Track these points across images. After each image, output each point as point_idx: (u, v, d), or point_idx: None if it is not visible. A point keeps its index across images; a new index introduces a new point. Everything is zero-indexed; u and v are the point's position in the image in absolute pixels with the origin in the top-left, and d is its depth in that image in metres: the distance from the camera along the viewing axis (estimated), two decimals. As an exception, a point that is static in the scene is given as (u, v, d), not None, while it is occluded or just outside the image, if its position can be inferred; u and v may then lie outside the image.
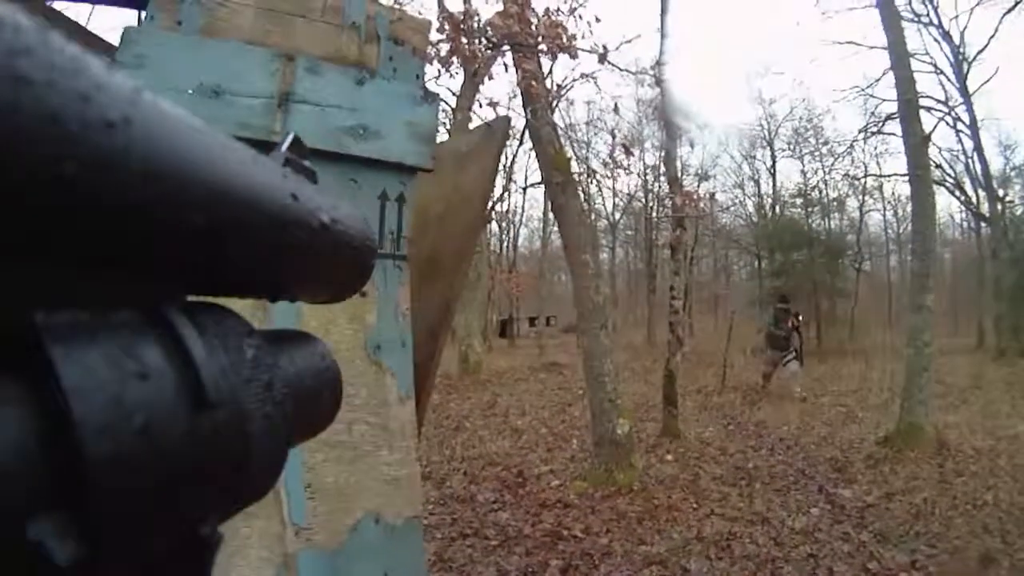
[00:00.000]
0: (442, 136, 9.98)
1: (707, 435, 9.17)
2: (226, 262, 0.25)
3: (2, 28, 0.16)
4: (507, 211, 28.67)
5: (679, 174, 11.55)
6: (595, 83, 10.47)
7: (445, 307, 1.86)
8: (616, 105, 9.82)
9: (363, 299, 1.43)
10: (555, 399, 12.27)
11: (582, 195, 11.17)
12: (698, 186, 28.16)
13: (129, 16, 1.59)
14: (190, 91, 1.31)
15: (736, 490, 6.57)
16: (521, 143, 13.09)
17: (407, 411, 1.49)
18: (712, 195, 20.49)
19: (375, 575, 1.41)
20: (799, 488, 6.56)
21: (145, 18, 1.41)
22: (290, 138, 0.34)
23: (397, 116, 1.51)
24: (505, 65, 7.26)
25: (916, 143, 9.15)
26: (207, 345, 0.23)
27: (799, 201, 29.52)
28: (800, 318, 12.86)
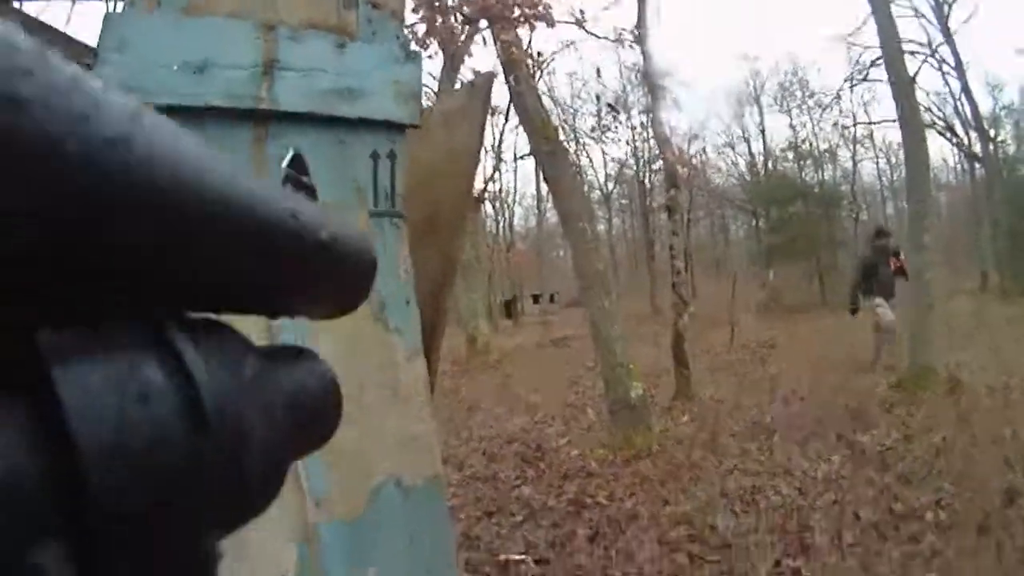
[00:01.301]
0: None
1: (720, 394, 9.15)
2: (225, 279, 0.24)
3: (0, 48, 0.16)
4: (500, 191, 28.62)
5: (669, 134, 11.50)
6: (576, 50, 10.41)
7: (447, 264, 1.85)
8: (598, 70, 9.80)
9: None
10: (566, 372, 12.29)
11: (573, 167, 11.12)
12: (688, 147, 28.10)
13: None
14: (175, 68, 1.30)
15: (755, 444, 6.56)
16: (507, 120, 13.02)
17: (417, 368, 1.45)
18: (703, 151, 20.40)
19: (400, 542, 1.38)
20: (818, 437, 6.53)
21: (126, 3, 1.41)
22: (290, 155, 0.35)
23: (381, 76, 1.49)
24: (484, 39, 7.18)
25: (902, 85, 9.10)
26: (207, 364, 0.22)
27: (791, 155, 29.55)
28: (902, 257, 9.64)
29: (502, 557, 4.63)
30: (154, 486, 0.20)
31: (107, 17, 1.28)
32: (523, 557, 4.61)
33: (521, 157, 24.52)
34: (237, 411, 0.23)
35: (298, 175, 0.33)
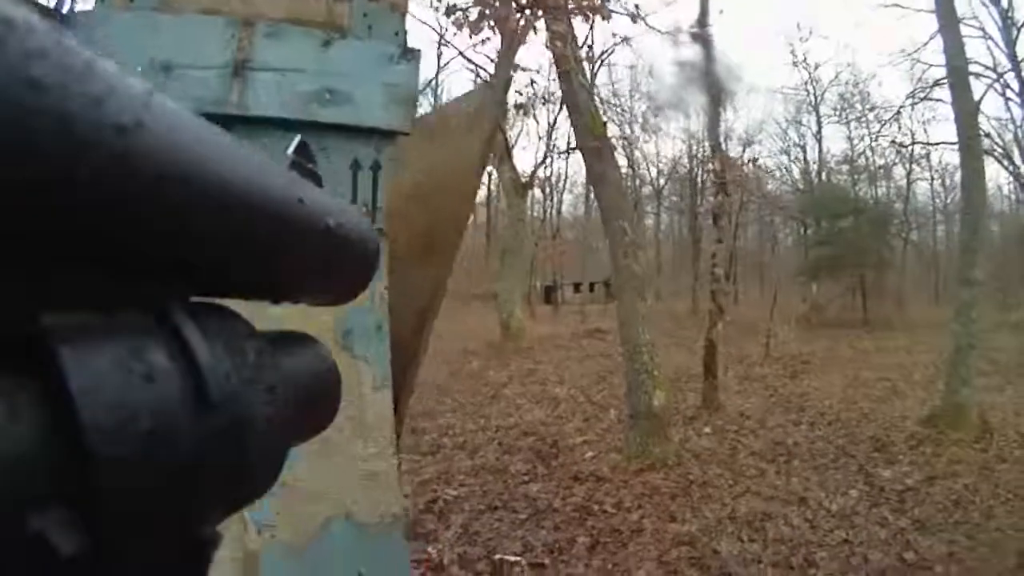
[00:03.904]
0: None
1: (747, 407, 8.99)
2: (232, 264, 0.25)
3: (16, 30, 0.16)
4: (549, 176, 28.44)
5: (721, 138, 11.25)
6: (630, 46, 10.22)
7: (437, 287, 1.76)
8: (651, 69, 9.60)
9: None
10: (595, 367, 12.17)
11: (626, 160, 10.95)
12: (743, 151, 27.60)
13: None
14: (139, 68, 1.23)
15: (774, 467, 6.44)
16: (560, 108, 12.85)
17: (383, 400, 1.39)
18: (755, 160, 19.92)
19: (348, 576, 1.32)
20: (838, 467, 6.40)
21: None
22: (296, 142, 0.36)
23: (371, 77, 1.39)
24: (535, 28, 7.05)
25: (967, 111, 8.77)
26: (211, 347, 0.23)
27: (845, 168, 28.80)
28: None
29: (497, 556, 4.61)
30: (157, 463, 0.20)
31: (77, 13, 1.23)
32: (518, 559, 4.57)
33: (570, 150, 24.29)
34: (240, 393, 0.23)
35: (304, 161, 0.34)
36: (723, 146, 10.52)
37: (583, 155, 8.22)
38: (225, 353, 0.23)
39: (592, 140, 7.31)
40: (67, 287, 0.20)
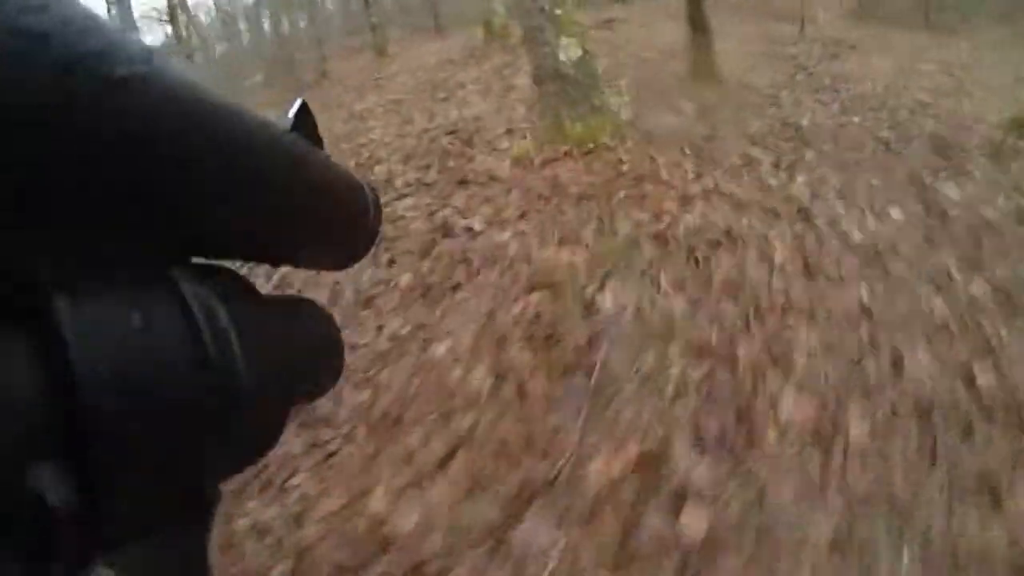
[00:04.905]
0: None
1: (757, 81, 6.43)
2: (231, 223, 0.24)
3: None
4: None
5: None
6: None
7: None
8: None
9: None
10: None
11: None
12: None
13: None
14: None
15: (771, 157, 4.07)
16: None
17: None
18: None
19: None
20: (877, 168, 3.98)
21: None
22: (298, 103, 0.32)
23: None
24: None
25: None
26: (209, 304, 0.22)
27: None
28: None
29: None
30: (152, 415, 0.20)
31: None
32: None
33: None
34: (238, 350, 0.22)
35: (306, 123, 0.31)
36: None
37: None
38: (224, 311, 0.22)
39: None
40: (65, 240, 0.19)
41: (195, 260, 0.24)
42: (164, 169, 0.19)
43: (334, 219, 0.31)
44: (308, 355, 0.30)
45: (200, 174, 0.21)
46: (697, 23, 6.35)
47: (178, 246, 0.23)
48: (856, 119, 5.05)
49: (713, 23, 6.55)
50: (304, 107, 0.32)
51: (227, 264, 0.25)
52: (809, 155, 4.09)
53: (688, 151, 4.07)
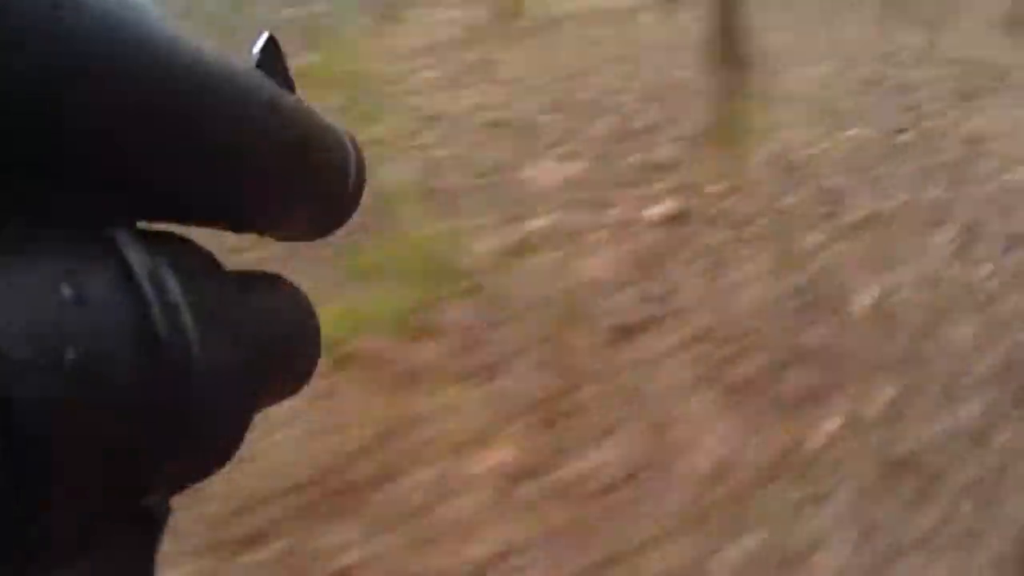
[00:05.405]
0: None
1: (814, 151, 3.98)
2: (183, 177, 0.21)
3: None
4: None
5: None
6: None
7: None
8: None
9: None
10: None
11: None
12: None
13: None
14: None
15: None
16: None
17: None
18: None
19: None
20: None
21: None
22: (264, 38, 0.28)
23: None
24: None
25: None
26: (159, 275, 0.19)
27: None
28: None
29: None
30: (88, 405, 0.17)
31: None
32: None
33: None
34: (192, 329, 0.20)
35: (274, 61, 0.28)
36: None
37: None
38: (176, 283, 0.19)
39: None
40: None
41: (143, 225, 0.20)
42: (102, 111, 0.17)
43: (309, 175, 0.27)
44: (277, 341, 0.26)
45: (147, 117, 0.18)
46: (728, 53, 4.09)
47: (122, 207, 0.19)
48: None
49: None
50: (272, 42, 0.28)
51: (185, 232, 0.22)
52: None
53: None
